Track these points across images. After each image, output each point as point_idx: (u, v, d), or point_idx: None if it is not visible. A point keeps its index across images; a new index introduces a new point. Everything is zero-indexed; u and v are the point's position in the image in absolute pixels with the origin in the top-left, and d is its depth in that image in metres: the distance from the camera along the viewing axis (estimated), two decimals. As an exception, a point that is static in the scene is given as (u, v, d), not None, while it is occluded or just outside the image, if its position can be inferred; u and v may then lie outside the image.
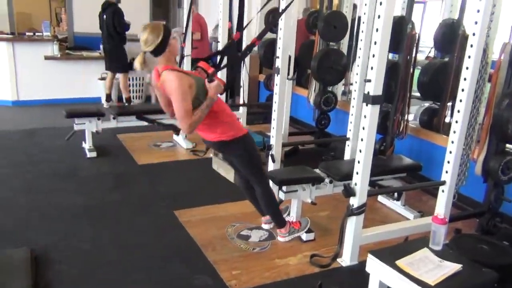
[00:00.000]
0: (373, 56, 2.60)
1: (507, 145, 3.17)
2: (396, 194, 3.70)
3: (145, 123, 4.96)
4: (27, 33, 7.00)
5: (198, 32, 6.66)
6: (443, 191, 3.10)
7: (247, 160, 3.03)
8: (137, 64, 2.75)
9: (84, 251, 3.00)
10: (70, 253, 2.97)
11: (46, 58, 6.80)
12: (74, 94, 6.87)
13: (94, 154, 4.73)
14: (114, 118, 4.83)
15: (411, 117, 4.32)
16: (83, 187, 4.01)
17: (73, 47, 7.42)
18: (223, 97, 4.75)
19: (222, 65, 3.03)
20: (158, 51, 2.67)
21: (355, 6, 5.69)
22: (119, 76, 6.61)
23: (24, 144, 5.11)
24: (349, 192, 2.80)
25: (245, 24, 5.59)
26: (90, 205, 3.67)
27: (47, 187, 3.98)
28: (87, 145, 4.76)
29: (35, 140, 5.26)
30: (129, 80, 7.20)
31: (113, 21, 6.31)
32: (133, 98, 7.31)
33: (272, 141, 3.74)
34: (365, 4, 3.76)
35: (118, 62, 6.53)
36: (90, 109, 4.86)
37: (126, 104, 6.69)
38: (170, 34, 2.70)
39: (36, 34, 7.00)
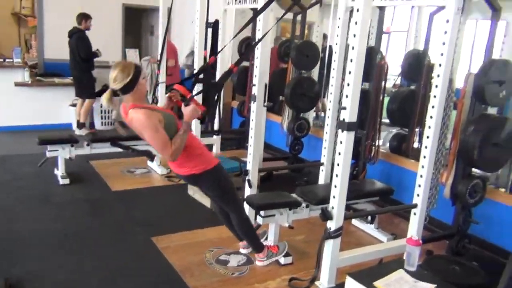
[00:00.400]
0: (348, 84, 2.72)
1: (473, 169, 3.34)
2: (369, 218, 3.81)
3: (118, 149, 4.95)
4: (-3, 60, 6.91)
5: (172, 59, 6.75)
6: (414, 213, 3.23)
7: (220, 190, 3.06)
8: (104, 101, 2.70)
9: (61, 281, 2.95)
10: (48, 283, 2.92)
11: (17, 84, 6.70)
12: (45, 121, 6.77)
13: (67, 181, 4.66)
14: (88, 145, 4.80)
15: (380, 142, 4.47)
16: (58, 214, 3.96)
17: (43, 73, 7.33)
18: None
19: (197, 90, 3.04)
20: (126, 89, 2.65)
21: (325, 36, 5.92)
22: (85, 101, 6.57)
23: (-6, 171, 5.00)
24: (326, 215, 2.87)
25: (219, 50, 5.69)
26: (66, 233, 3.62)
27: (21, 214, 3.92)
28: (59, 171, 4.70)
29: (6, 166, 5.15)
30: (100, 106, 7.17)
31: (78, 48, 6.32)
32: (104, 125, 7.27)
33: (249, 166, 3.80)
34: (337, 35, 3.92)
35: (84, 88, 6.50)
36: (63, 135, 4.82)
37: (77, 128, 6.65)
38: (140, 74, 2.70)
39: (6, 60, 6.91)
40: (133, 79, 2.64)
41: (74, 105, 6.82)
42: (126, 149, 4.90)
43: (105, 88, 7.26)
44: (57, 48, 6.76)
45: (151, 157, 5.13)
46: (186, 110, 2.74)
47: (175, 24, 8.68)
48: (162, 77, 5.37)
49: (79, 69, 6.43)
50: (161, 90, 5.32)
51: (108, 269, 3.12)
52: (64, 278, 2.97)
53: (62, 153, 4.67)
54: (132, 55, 7.71)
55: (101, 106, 7.17)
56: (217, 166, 2.97)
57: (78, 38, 6.32)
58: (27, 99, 6.79)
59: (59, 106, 6.92)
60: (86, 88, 6.49)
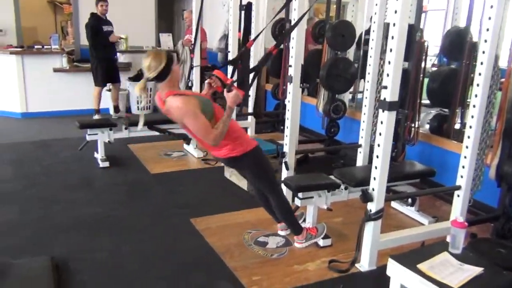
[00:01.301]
0: (389, 63, 2.65)
1: (520, 149, 3.21)
2: (410, 200, 3.73)
3: (156, 133, 5.00)
4: (35, 46, 7.07)
5: (205, 42, 6.75)
6: (458, 196, 3.14)
7: (258, 173, 3.07)
8: (137, 89, 2.74)
9: (103, 262, 3.01)
10: (90, 263, 2.98)
11: (55, 70, 6.87)
12: (82, 106, 6.92)
13: (106, 164, 4.77)
14: (126, 128, 4.87)
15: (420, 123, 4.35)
16: (98, 197, 4.05)
17: (80, 59, 7.48)
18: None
19: (240, 76, 3.05)
20: (160, 77, 2.68)
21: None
22: (94, 88, 6.61)
23: (37, 155, 5.14)
24: (367, 197, 2.83)
25: (252, 33, 5.64)
26: (106, 215, 3.69)
27: (63, 198, 4.01)
28: (99, 155, 4.80)
29: (47, 151, 5.30)
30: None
31: (86, 35, 6.40)
32: (140, 109, 7.36)
33: (286, 149, 3.77)
34: (375, 13, 3.82)
35: (94, 74, 6.54)
36: (102, 120, 4.91)
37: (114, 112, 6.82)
38: (173, 61, 2.71)
39: (45, 47, 7.07)
40: (167, 66, 2.66)
41: (111, 90, 6.93)
42: (163, 132, 4.94)
43: (140, 73, 7.37)
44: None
45: (188, 140, 5.16)
46: (229, 96, 2.75)
47: (206, 7, 8.68)
48: (197, 61, 5.38)
49: (91, 55, 6.51)
50: (195, 73, 5.33)
51: (148, 250, 3.16)
52: (105, 259, 3.03)
53: (102, 137, 4.76)
54: (166, 39, 7.74)
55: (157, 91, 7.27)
56: (256, 148, 2.98)
57: (86, 25, 6.39)
58: (65, 85, 6.97)
59: (96, 91, 7.06)
60: (95, 74, 6.54)
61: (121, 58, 7.41)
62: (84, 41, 7.51)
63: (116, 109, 6.91)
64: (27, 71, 6.74)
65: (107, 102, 7.02)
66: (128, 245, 3.23)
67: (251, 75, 3.42)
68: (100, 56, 6.43)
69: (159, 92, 2.81)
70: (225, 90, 2.78)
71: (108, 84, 6.73)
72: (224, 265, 2.98)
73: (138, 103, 7.28)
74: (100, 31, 6.32)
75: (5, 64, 6.70)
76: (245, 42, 5.68)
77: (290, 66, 3.66)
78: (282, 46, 5.72)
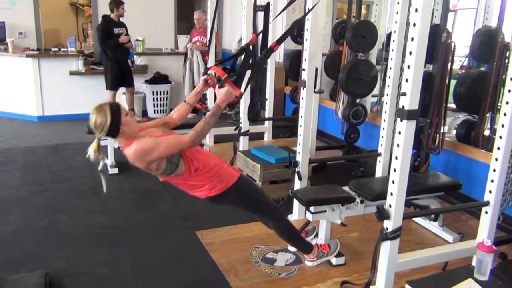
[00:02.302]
0: (408, 67, 2.39)
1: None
2: (433, 215, 3.44)
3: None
4: (52, 49, 7.03)
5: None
6: (486, 212, 2.85)
7: (247, 203, 2.79)
8: (91, 151, 2.43)
9: (101, 276, 2.86)
10: (86, 278, 2.84)
11: (71, 73, 6.82)
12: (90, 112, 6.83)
13: (116, 170, 4.64)
14: (136, 134, 4.72)
15: (445, 130, 4.06)
16: (105, 206, 3.91)
17: (98, 62, 7.41)
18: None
19: (236, 72, 2.75)
20: (111, 134, 2.36)
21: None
22: (107, 92, 6.43)
23: (48, 160, 5.06)
24: (383, 214, 2.57)
25: (269, 34, 5.44)
26: (111, 225, 3.55)
27: (69, 206, 3.90)
28: (109, 161, 4.67)
29: (59, 156, 5.22)
30: (153, 94, 7.15)
31: (97, 38, 6.29)
32: (158, 112, 7.26)
33: (299, 157, 3.55)
34: (396, 12, 3.56)
35: (106, 78, 6.39)
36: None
37: None
38: (120, 113, 2.34)
39: (62, 49, 7.02)
40: (114, 122, 2.31)
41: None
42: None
43: (157, 75, 7.22)
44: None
45: (201, 146, 4.98)
46: (220, 92, 2.49)
47: (226, 9, 8.54)
48: (212, 63, 5.20)
49: (103, 58, 6.40)
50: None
51: (149, 266, 2.99)
52: (104, 275, 2.88)
53: (112, 142, 4.63)
54: (183, 41, 7.60)
55: (154, 94, 7.16)
56: (238, 181, 2.64)
57: (96, 28, 6.28)
58: (81, 88, 6.90)
59: (112, 94, 6.97)
60: (106, 78, 6.39)
61: (138, 60, 7.31)
62: (103, 43, 7.50)
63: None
64: (44, 74, 6.71)
65: (123, 105, 6.92)
66: (129, 260, 3.08)
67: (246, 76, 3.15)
68: (111, 59, 6.29)
69: (119, 144, 2.49)
70: (216, 85, 2.52)
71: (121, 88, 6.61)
72: (228, 285, 2.77)
73: (154, 106, 7.19)
74: (111, 33, 6.17)
75: (22, 67, 6.69)
76: (264, 45, 5.48)
77: (304, 69, 3.44)
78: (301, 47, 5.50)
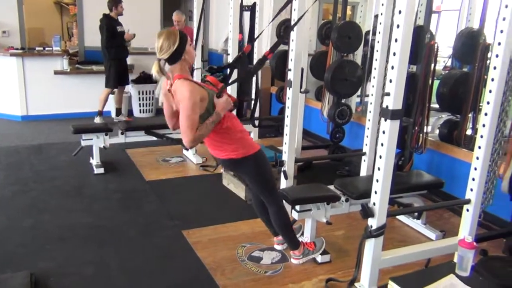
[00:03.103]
0: (392, 68, 2.43)
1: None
2: (416, 213, 3.50)
3: (155, 138, 4.84)
4: (37, 48, 6.96)
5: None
6: (468, 210, 2.91)
7: (259, 179, 2.86)
8: (154, 72, 2.55)
9: (87, 276, 2.85)
10: (73, 278, 2.82)
11: (56, 72, 6.74)
12: (84, 109, 6.79)
13: (101, 170, 4.61)
14: (122, 133, 4.71)
15: (428, 129, 4.13)
16: (90, 206, 3.88)
17: (84, 61, 7.37)
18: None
19: (231, 80, 2.86)
20: (173, 58, 2.51)
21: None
22: (104, 89, 6.45)
23: (32, 160, 5.00)
24: (367, 212, 2.60)
25: (256, 35, 5.45)
26: (96, 225, 3.53)
27: (53, 206, 3.86)
28: (94, 161, 4.65)
29: (43, 156, 5.17)
30: (139, 93, 7.12)
31: (101, 36, 6.26)
32: (143, 112, 7.23)
33: (285, 157, 3.57)
34: (381, 14, 3.60)
35: (107, 76, 6.40)
36: (97, 124, 4.76)
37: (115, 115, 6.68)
38: (187, 41, 2.54)
39: (46, 49, 6.95)
40: (180, 46, 2.49)
41: (113, 92, 6.79)
42: (160, 137, 4.78)
43: (142, 75, 7.20)
44: (97, 36, 6.66)
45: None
46: (219, 102, 2.58)
47: (213, 8, 8.54)
48: (198, 63, 5.21)
49: (104, 57, 6.38)
50: (195, 76, 5.16)
51: (136, 266, 2.99)
52: (90, 275, 2.87)
53: (97, 142, 4.61)
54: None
55: (139, 93, 7.13)
56: (258, 152, 2.78)
57: (100, 27, 6.25)
58: (66, 87, 6.84)
59: (98, 94, 6.88)
60: (108, 77, 6.39)
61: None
62: (88, 42, 7.45)
63: (118, 111, 6.77)
64: (28, 74, 6.62)
65: (109, 105, 6.89)
66: (116, 259, 3.06)
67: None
68: (114, 58, 6.30)
69: (169, 74, 2.59)
70: (214, 96, 2.60)
71: None
72: (215, 284, 2.78)
73: (140, 106, 7.16)
74: (115, 32, 6.21)
75: (5, 66, 6.60)
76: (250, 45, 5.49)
77: (290, 70, 3.46)
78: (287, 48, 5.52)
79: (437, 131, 4.52)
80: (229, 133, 2.68)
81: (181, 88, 2.51)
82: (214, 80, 2.77)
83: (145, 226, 3.54)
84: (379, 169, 2.56)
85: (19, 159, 5.04)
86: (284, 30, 5.76)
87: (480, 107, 3.69)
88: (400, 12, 2.35)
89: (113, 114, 6.90)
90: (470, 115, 4.02)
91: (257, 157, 2.78)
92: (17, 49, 6.74)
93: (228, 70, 3.09)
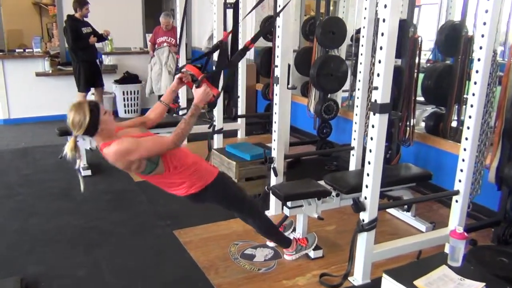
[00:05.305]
0: (379, 62, 2.45)
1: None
2: (406, 205, 3.53)
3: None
4: (17, 50, 6.83)
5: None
6: (456, 201, 2.95)
7: (227, 200, 2.79)
8: (68, 150, 2.38)
9: (79, 279, 2.82)
10: (64, 281, 2.79)
11: (38, 74, 6.63)
12: (67, 111, 6.67)
13: (88, 172, 4.55)
14: (108, 135, 4.65)
15: (414, 122, 4.17)
16: (79, 208, 3.84)
17: (65, 62, 7.24)
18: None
19: (214, 70, 2.75)
20: (89, 132, 2.35)
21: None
22: (78, 94, 6.22)
23: (17, 164, 4.93)
24: (359, 207, 2.63)
25: (240, 32, 5.44)
26: (86, 227, 3.50)
27: (41, 209, 3.81)
28: (81, 163, 4.58)
29: (28, 159, 5.09)
30: (123, 94, 7.05)
31: (66, 38, 6.13)
32: (129, 112, 7.16)
33: (274, 153, 3.58)
34: (365, 8, 3.62)
35: (77, 79, 6.20)
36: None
37: None
38: (99, 111, 2.33)
39: (27, 50, 6.83)
40: (92, 119, 2.29)
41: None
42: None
43: (126, 75, 7.09)
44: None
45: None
46: (197, 92, 2.49)
47: (195, 6, 8.48)
48: (183, 61, 5.19)
49: (72, 59, 6.20)
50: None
51: (128, 267, 2.97)
52: (82, 277, 2.84)
53: (83, 144, 4.54)
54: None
55: (124, 94, 7.06)
56: (217, 178, 2.65)
57: (64, 29, 6.11)
58: (48, 89, 6.73)
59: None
60: (78, 80, 6.19)
61: (106, 60, 7.18)
62: (69, 43, 7.34)
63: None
64: (8, 76, 6.50)
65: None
66: (107, 261, 3.04)
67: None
68: (82, 60, 6.10)
69: (97, 145, 2.48)
70: (193, 85, 2.51)
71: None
72: (209, 283, 2.77)
73: (125, 106, 7.09)
74: (80, 33, 6.00)
75: (-15, 69, 6.47)
76: (234, 41, 5.48)
77: (276, 66, 3.46)
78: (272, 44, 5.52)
79: (422, 124, 4.57)
80: (180, 173, 2.53)
81: (111, 152, 2.35)
82: (193, 68, 2.62)
83: (136, 227, 3.52)
84: (369, 163, 2.58)
85: (3, 163, 4.96)
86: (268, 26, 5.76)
87: (465, 99, 3.74)
88: (385, 6, 2.38)
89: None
90: (455, 107, 4.07)
91: (216, 183, 2.64)
92: (-4, 51, 6.63)
93: (205, 60, 3.01)
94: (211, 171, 2.66)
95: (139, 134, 2.47)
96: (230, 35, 5.36)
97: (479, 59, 2.73)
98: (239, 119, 5.77)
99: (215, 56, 3.19)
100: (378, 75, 2.46)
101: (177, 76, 2.71)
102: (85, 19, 6.12)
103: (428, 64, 5.08)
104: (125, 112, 7.15)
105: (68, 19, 6.05)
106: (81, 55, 6.07)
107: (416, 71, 3.79)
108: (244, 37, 5.62)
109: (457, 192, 2.92)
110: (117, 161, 2.38)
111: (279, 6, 3.32)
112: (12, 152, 5.34)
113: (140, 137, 2.43)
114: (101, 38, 6.32)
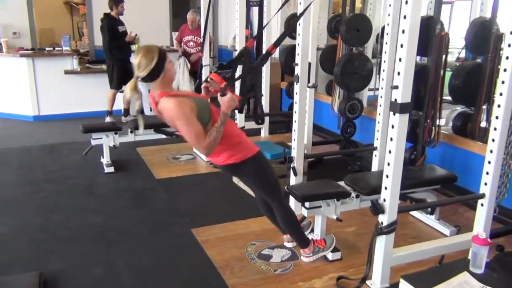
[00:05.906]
0: (400, 60, 2.37)
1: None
2: (429, 208, 3.42)
3: (164, 136, 4.83)
4: (46, 48, 6.98)
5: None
6: (482, 205, 2.83)
7: (260, 180, 2.81)
8: (127, 90, 2.49)
9: (96, 277, 2.84)
10: (81, 279, 2.82)
11: (66, 72, 6.77)
12: (94, 108, 6.79)
13: (111, 169, 4.62)
14: (131, 132, 4.71)
15: (442, 122, 4.04)
16: (100, 205, 3.89)
17: (94, 60, 7.38)
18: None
19: (236, 77, 2.81)
20: (152, 76, 2.43)
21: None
22: (110, 90, 6.41)
23: (43, 160, 5.04)
24: (377, 209, 2.56)
25: (264, 31, 5.40)
26: (106, 225, 3.53)
27: (64, 206, 3.88)
28: (104, 160, 4.65)
29: (54, 156, 5.20)
30: (148, 92, 7.09)
31: (102, 36, 6.22)
32: (138, 112, 7.18)
33: (294, 153, 3.52)
34: (389, 5, 3.53)
35: (110, 76, 6.36)
36: (106, 124, 4.76)
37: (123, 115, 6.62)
38: (166, 58, 2.46)
39: (56, 49, 6.98)
40: (159, 64, 2.40)
41: (122, 91, 6.81)
42: (170, 135, 4.77)
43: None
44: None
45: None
46: (223, 100, 2.52)
47: (222, 4, 8.50)
48: (206, 60, 5.18)
49: (106, 57, 6.34)
50: (205, 73, 5.14)
51: (144, 265, 2.97)
52: (99, 275, 2.86)
53: (106, 141, 4.62)
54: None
55: (150, 92, 7.10)
56: (257, 154, 2.72)
57: (101, 27, 6.22)
58: (76, 87, 6.87)
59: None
60: (111, 76, 6.35)
61: (132, 59, 7.26)
62: (98, 41, 7.44)
63: (126, 112, 6.76)
64: (38, 74, 6.67)
65: (120, 103, 6.90)
66: (125, 259, 3.06)
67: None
68: (116, 59, 6.23)
69: (152, 93, 2.58)
70: (218, 94, 2.55)
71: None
72: (224, 283, 2.75)
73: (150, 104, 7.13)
74: (117, 32, 6.15)
75: (16, 67, 6.65)
76: (259, 42, 5.45)
77: (297, 64, 3.41)
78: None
79: (450, 124, 4.43)
80: (226, 139, 2.57)
81: (167, 106, 2.45)
82: (217, 77, 2.69)
83: (155, 225, 3.53)
84: (388, 164, 2.51)
85: (31, 159, 5.08)
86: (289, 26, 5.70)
87: (495, 98, 3.59)
88: (406, 2, 2.29)
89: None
90: (484, 107, 3.92)
91: (256, 159, 2.72)
92: (27, 50, 6.79)
93: (232, 67, 3.05)
94: (252, 147, 2.73)
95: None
96: (257, 34, 5.36)
97: (507, 57, 2.60)
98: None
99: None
100: (398, 73, 2.38)
101: (203, 85, 2.76)
102: (119, 17, 6.22)
103: (458, 63, 4.91)
104: (151, 110, 7.17)
105: (106, 18, 6.17)
106: (116, 54, 6.20)
107: (443, 69, 3.66)
108: (268, 36, 5.59)
109: (482, 196, 2.80)
110: (167, 117, 2.53)
111: (300, 4, 3.26)
112: (40, 149, 5.46)
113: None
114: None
